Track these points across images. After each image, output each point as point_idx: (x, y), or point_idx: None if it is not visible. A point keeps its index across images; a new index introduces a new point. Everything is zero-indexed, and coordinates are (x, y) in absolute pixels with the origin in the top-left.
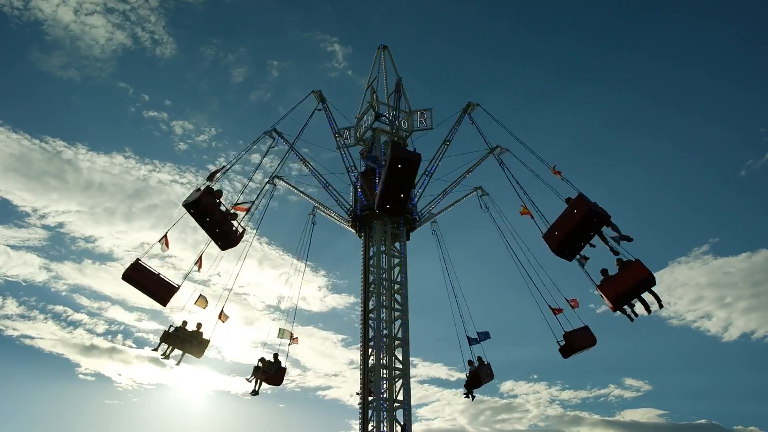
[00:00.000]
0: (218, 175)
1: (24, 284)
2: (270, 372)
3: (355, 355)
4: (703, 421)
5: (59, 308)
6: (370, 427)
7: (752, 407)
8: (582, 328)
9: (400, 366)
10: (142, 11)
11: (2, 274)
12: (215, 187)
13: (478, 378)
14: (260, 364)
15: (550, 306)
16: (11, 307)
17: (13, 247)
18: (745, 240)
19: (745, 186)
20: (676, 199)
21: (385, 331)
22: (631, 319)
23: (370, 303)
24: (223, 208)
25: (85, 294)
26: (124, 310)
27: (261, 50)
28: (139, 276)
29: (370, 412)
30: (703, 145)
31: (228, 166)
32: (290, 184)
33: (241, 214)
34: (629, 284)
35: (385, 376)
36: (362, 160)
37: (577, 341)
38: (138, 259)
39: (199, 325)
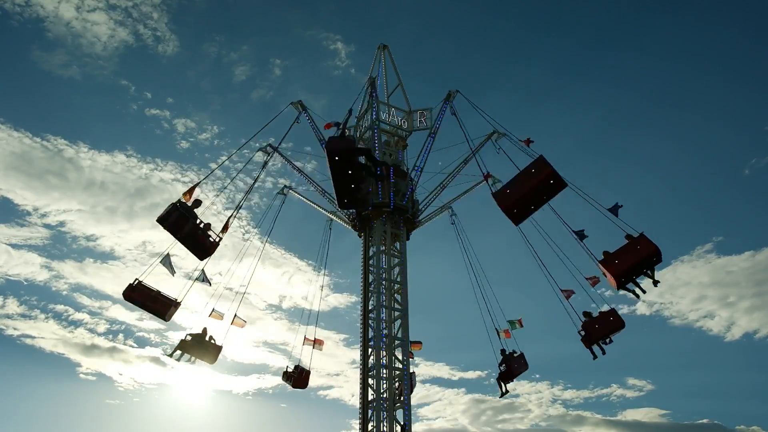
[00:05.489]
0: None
1: (25, 283)
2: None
3: (357, 354)
4: (705, 420)
5: (60, 307)
6: (369, 427)
7: (754, 407)
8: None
9: (400, 366)
10: (145, 8)
11: (3, 274)
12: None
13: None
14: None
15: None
16: (12, 306)
17: (14, 246)
18: (749, 239)
19: (748, 185)
20: (679, 197)
21: (385, 331)
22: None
23: (370, 303)
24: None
25: (86, 293)
26: (125, 310)
27: (263, 48)
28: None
29: (370, 411)
30: (707, 144)
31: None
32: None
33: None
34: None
35: (385, 376)
36: None
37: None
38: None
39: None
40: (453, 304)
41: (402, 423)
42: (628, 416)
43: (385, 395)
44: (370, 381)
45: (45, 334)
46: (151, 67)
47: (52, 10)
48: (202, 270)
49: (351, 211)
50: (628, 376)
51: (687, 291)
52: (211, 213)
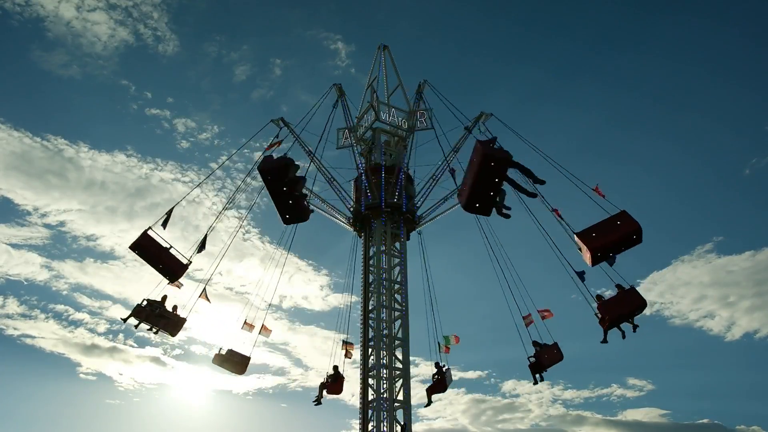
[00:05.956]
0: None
1: (25, 283)
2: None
3: (357, 354)
4: (705, 420)
5: (60, 307)
6: (370, 427)
7: (754, 407)
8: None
9: (401, 366)
10: (145, 8)
11: (3, 273)
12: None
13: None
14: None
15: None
16: (12, 306)
17: (14, 245)
18: (749, 238)
19: (749, 184)
20: (679, 197)
21: (385, 331)
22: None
23: (371, 303)
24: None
25: (86, 293)
26: (125, 310)
27: (264, 48)
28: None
29: (370, 412)
30: (707, 143)
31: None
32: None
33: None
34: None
35: (385, 376)
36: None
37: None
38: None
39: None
40: (453, 304)
41: (402, 423)
42: (629, 416)
43: (385, 395)
44: (370, 381)
45: (45, 334)
46: (151, 66)
47: (52, 10)
48: (205, 236)
49: (353, 208)
50: (629, 376)
51: (687, 291)
52: (212, 213)
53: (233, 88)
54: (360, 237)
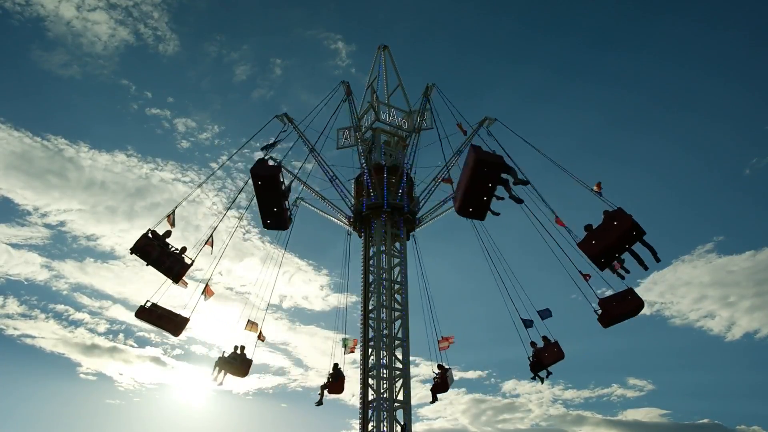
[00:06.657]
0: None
1: (25, 283)
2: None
3: (357, 354)
4: (705, 420)
5: (60, 307)
6: (370, 427)
7: (755, 407)
8: (623, 293)
9: (401, 366)
10: (145, 7)
11: (3, 273)
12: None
13: (541, 359)
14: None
15: (581, 272)
16: (12, 306)
17: (14, 245)
18: (750, 238)
19: (749, 184)
20: (680, 197)
21: (385, 331)
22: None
23: (370, 303)
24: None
25: (86, 293)
26: (125, 310)
27: (264, 48)
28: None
29: (370, 412)
30: (708, 143)
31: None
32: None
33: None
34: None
35: (385, 375)
36: None
37: (616, 308)
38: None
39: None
40: (453, 304)
41: (402, 423)
42: (629, 416)
43: (385, 395)
44: (370, 381)
45: (45, 334)
46: (151, 66)
47: (52, 10)
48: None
49: (353, 207)
50: (629, 376)
51: (687, 291)
52: (212, 213)
53: (233, 88)
54: (360, 237)
